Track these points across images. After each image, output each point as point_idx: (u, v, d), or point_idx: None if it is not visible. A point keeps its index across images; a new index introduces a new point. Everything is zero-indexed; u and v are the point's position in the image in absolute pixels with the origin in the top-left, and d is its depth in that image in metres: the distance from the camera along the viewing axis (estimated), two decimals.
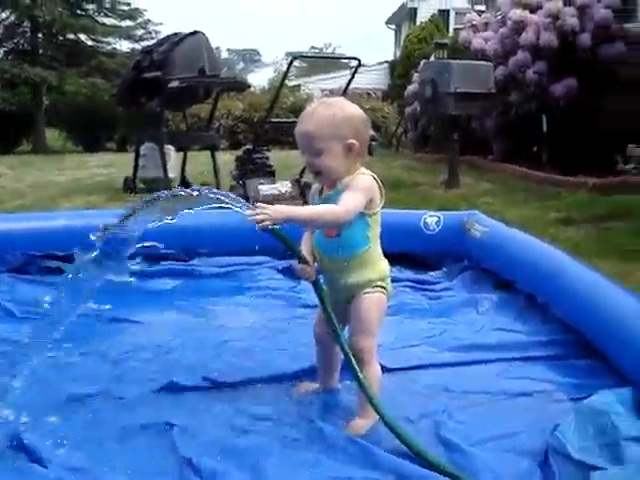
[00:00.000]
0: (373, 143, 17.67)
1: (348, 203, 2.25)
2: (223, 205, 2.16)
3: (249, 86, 12.04)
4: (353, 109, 2.38)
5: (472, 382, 2.71)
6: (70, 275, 4.12)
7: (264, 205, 2.15)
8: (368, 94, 26.68)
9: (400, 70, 22.32)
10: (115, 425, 2.31)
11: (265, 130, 8.48)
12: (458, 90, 8.64)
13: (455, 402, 2.52)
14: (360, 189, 2.30)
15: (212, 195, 2.16)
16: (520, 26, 10.68)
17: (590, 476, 1.81)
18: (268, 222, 2.11)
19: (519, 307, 3.61)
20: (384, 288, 2.42)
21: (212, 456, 2.07)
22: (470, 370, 2.86)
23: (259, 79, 33.73)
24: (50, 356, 2.89)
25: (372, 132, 14.45)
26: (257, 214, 2.11)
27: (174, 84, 7.98)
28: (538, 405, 2.52)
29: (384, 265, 2.47)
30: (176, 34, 8.59)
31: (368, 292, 2.38)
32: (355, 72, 7.66)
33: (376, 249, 2.43)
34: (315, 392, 2.56)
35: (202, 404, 2.48)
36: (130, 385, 2.63)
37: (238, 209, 2.15)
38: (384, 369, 2.46)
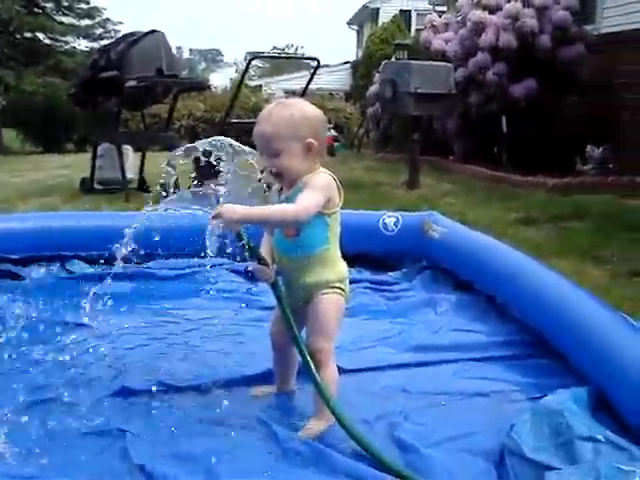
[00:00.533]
0: (335, 144, 17.73)
1: (306, 202, 2.24)
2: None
3: (209, 87, 11.97)
4: (311, 109, 2.37)
5: (429, 383, 2.70)
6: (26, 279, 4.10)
7: (222, 205, 2.13)
8: (331, 94, 26.72)
9: (362, 70, 22.40)
10: (67, 432, 2.25)
11: (225, 130, 8.41)
12: (418, 90, 8.65)
13: (412, 403, 2.51)
14: (318, 188, 2.28)
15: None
16: (480, 27, 10.73)
17: (545, 476, 1.80)
18: (221, 221, 2.10)
19: (478, 308, 3.61)
20: (342, 290, 2.41)
21: (165, 461, 2.04)
22: (428, 371, 2.85)
23: (221, 79, 33.57)
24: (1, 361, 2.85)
25: (334, 132, 14.46)
26: (212, 214, 2.10)
27: (131, 84, 7.89)
28: (495, 405, 2.52)
29: (343, 267, 2.45)
30: (133, 33, 8.48)
31: (326, 293, 2.37)
32: (314, 72, 7.64)
33: (335, 250, 2.42)
34: (270, 395, 2.53)
35: (155, 409, 2.43)
36: (82, 390, 2.56)
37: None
38: (341, 370, 2.45)
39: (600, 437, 1.98)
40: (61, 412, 2.40)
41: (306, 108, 2.36)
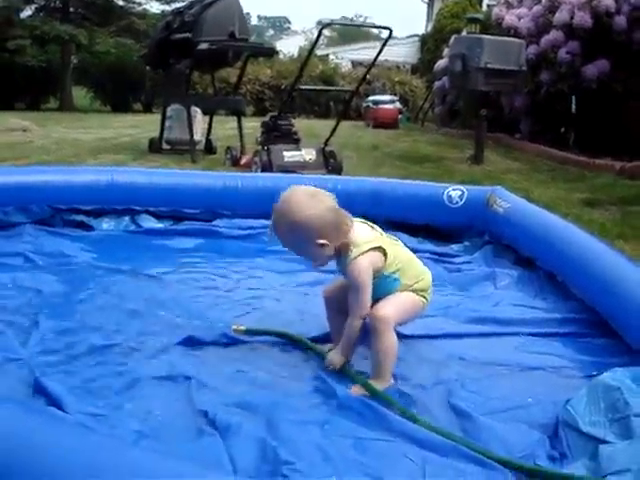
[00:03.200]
0: (399, 116, 17.64)
1: (355, 310, 2.37)
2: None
3: (277, 52, 12.01)
4: (311, 207, 2.31)
5: (487, 353, 2.72)
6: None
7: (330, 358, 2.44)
8: (397, 67, 26.53)
9: (430, 44, 22.12)
10: (133, 375, 2.34)
11: (292, 97, 8.46)
12: (488, 66, 8.56)
13: (469, 372, 2.53)
14: (360, 285, 2.35)
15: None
16: (554, 4, 10.53)
17: (599, 449, 1.83)
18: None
19: (538, 284, 3.60)
20: (424, 297, 2.51)
21: (227, 409, 2.11)
22: (486, 342, 2.86)
23: (288, 47, 33.49)
24: (72, 307, 2.98)
25: (399, 105, 14.42)
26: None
27: (203, 46, 7.97)
28: (552, 379, 2.53)
29: (425, 279, 2.53)
30: None
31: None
32: (386, 42, 7.59)
33: (409, 278, 2.48)
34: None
35: (220, 359, 2.51)
36: (149, 338, 2.66)
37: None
38: (400, 336, 2.48)
39: None
40: (130, 357, 2.50)
41: (306, 211, 2.30)
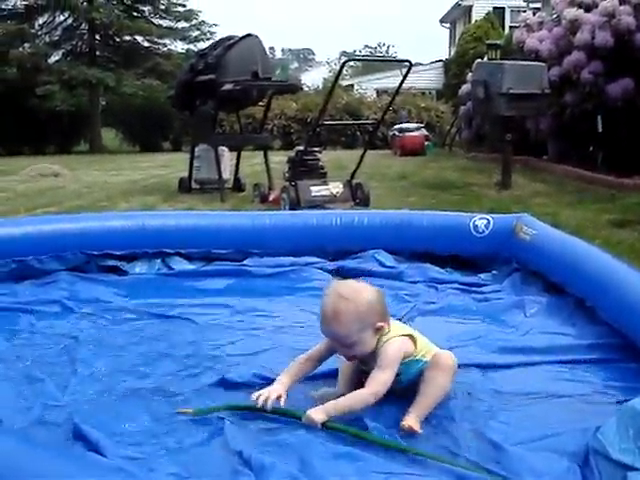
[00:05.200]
0: (427, 143, 17.69)
1: (376, 385, 2.35)
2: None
3: (301, 88, 12.15)
4: (370, 292, 2.44)
5: (517, 383, 2.74)
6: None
7: (309, 413, 2.29)
8: (422, 93, 26.63)
9: (454, 69, 22.27)
10: (170, 419, 2.40)
11: (317, 132, 8.57)
12: (511, 91, 8.60)
13: (499, 402, 2.55)
14: (390, 364, 2.39)
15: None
16: (575, 25, 10.55)
17: (627, 476, 1.84)
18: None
19: (568, 310, 3.60)
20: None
21: (261, 449, 2.15)
22: (516, 372, 2.88)
23: (313, 78, 33.86)
24: (108, 351, 3.05)
25: (425, 132, 14.47)
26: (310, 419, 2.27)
27: (228, 87, 8.12)
28: (581, 407, 2.54)
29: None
30: (230, 37, 8.75)
31: None
32: (407, 75, 7.69)
33: (429, 352, 2.52)
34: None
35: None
36: (184, 381, 2.72)
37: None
38: None
39: None
40: (166, 401, 2.55)
41: (366, 295, 2.42)
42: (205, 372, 2.79)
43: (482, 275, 4.37)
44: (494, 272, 4.38)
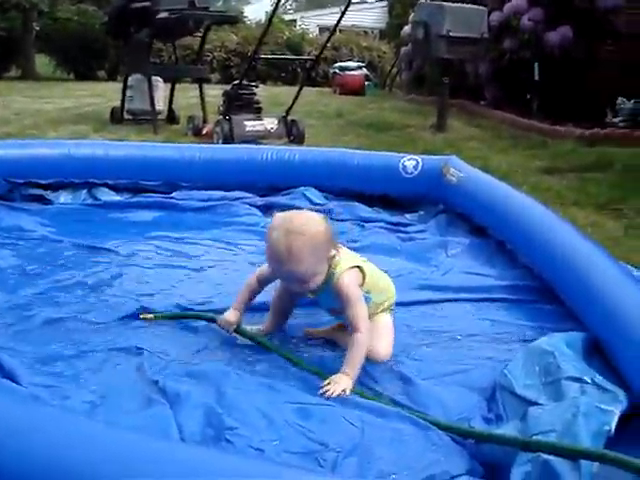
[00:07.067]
0: (366, 83, 17.61)
1: (361, 322, 2.29)
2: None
3: (241, 20, 11.90)
4: (316, 222, 2.31)
5: (433, 321, 2.81)
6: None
7: (336, 381, 2.16)
8: (365, 32, 26.37)
9: (398, 9, 21.98)
10: (86, 347, 2.40)
11: (254, 65, 8.44)
12: (450, 34, 8.59)
13: (413, 339, 2.61)
14: (354, 297, 2.33)
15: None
16: None
17: (528, 410, 1.92)
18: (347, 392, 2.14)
19: (489, 252, 3.69)
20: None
21: (177, 379, 2.16)
22: (433, 309, 2.95)
23: (256, 12, 33.09)
24: (28, 281, 3.01)
25: (366, 71, 14.33)
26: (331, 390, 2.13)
27: (163, 15, 7.91)
28: (494, 345, 2.61)
29: (391, 297, 2.59)
30: None
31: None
32: (346, 9, 7.60)
33: (377, 295, 2.51)
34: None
35: (172, 331, 2.57)
36: (103, 311, 2.71)
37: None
38: None
39: (587, 379, 2.06)
40: (83, 330, 2.55)
41: (316, 225, 2.29)
42: (126, 303, 2.78)
43: (408, 215, 4.43)
44: (421, 213, 4.44)
